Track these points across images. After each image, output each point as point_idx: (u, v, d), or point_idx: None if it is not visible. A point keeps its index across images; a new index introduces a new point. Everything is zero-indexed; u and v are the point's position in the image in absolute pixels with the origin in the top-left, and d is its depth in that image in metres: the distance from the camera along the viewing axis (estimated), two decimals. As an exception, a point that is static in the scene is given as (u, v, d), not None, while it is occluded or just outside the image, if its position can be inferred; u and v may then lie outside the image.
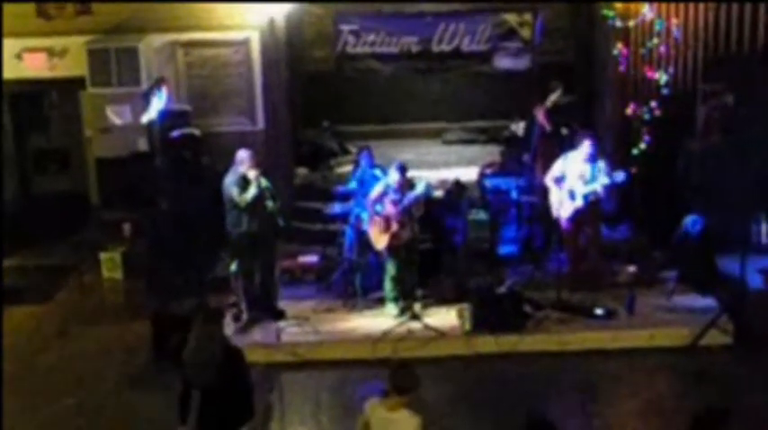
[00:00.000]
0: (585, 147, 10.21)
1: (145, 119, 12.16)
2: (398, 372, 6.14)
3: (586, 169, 10.23)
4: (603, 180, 10.16)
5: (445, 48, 13.64)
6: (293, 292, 10.91)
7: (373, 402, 6.16)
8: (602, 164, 10.27)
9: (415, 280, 10.40)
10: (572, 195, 10.27)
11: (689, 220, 10.58)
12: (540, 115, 11.82)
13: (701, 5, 11.67)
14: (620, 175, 10.24)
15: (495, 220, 11.63)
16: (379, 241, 10.21)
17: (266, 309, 10.32)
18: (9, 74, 12.59)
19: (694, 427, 5.79)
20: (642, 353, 9.64)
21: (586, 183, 10.19)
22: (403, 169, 10.21)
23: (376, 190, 10.27)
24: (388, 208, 10.11)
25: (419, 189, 10.17)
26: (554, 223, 10.69)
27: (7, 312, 10.86)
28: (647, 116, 11.91)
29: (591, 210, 10.35)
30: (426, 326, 9.95)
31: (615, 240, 11.73)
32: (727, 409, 5.86)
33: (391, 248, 10.15)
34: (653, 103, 11.87)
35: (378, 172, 10.91)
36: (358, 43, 13.62)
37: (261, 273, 10.25)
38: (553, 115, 11.74)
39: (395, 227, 10.06)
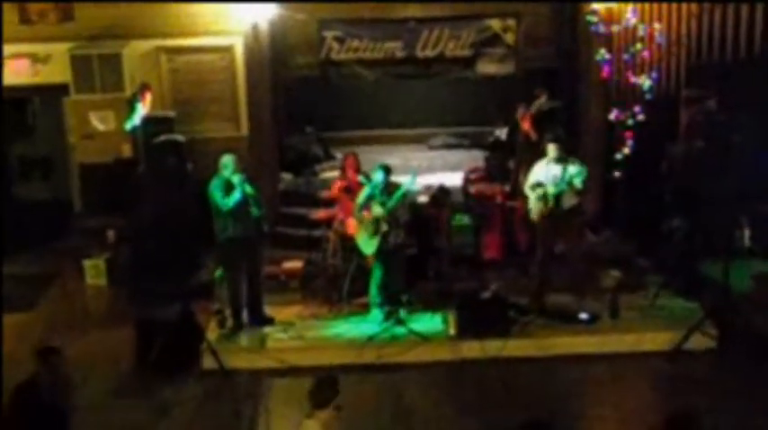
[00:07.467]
0: (551, 151, 10.16)
1: (128, 125, 12.14)
2: (314, 389, 6.19)
3: (558, 171, 10.16)
4: (576, 181, 9.98)
5: (429, 53, 13.63)
6: (278, 298, 10.88)
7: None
8: (573, 166, 10.07)
9: (401, 285, 10.40)
10: (544, 198, 10.13)
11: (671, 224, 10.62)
12: (524, 122, 11.82)
13: (684, 11, 11.72)
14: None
15: (480, 226, 11.65)
16: (369, 246, 10.21)
17: (252, 315, 10.30)
18: (-8, 80, 12.57)
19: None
20: (626, 358, 9.67)
21: (557, 184, 10.06)
22: (387, 170, 10.23)
23: (362, 194, 10.28)
24: (376, 210, 10.11)
25: (406, 183, 10.19)
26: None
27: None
28: (630, 121, 11.94)
29: (570, 214, 10.23)
30: (411, 332, 9.96)
31: (599, 245, 11.77)
32: (696, 413, 5.83)
33: (378, 253, 10.16)
34: (636, 108, 11.90)
35: (362, 178, 10.92)
36: (342, 49, 13.61)
37: (246, 278, 10.24)
38: (538, 121, 11.74)
39: (384, 227, 10.05)
